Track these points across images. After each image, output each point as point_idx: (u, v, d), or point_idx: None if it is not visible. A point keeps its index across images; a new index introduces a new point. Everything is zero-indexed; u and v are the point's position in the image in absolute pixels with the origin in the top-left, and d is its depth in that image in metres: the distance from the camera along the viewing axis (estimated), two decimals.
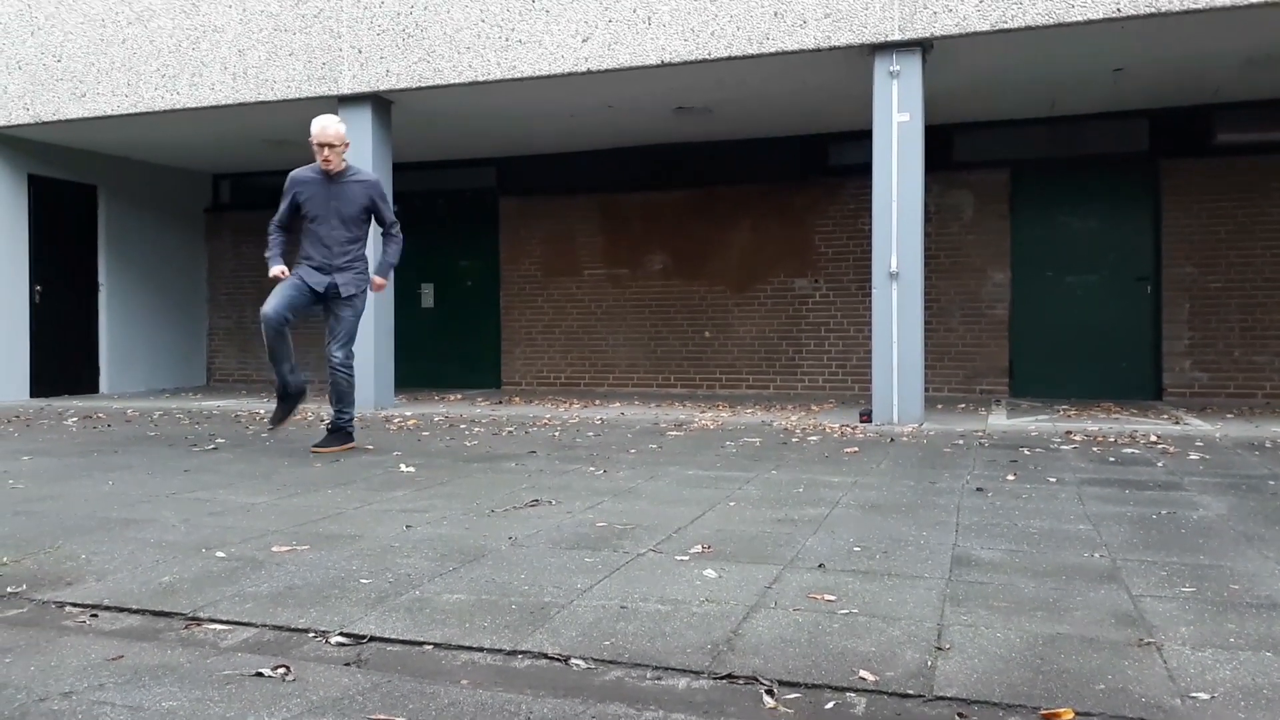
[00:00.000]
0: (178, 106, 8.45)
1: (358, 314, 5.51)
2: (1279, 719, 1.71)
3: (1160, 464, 4.86)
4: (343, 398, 5.52)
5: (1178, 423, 6.78)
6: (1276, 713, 1.74)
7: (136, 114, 8.62)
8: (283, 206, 5.44)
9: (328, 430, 5.60)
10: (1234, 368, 8.58)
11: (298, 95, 8.10)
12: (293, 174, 5.45)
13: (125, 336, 10.88)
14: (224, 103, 8.32)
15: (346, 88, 7.98)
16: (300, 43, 8.08)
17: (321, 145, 5.29)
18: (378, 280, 5.53)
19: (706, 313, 10.08)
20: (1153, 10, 6.07)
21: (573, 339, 10.52)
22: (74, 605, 2.47)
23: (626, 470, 4.71)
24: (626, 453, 5.38)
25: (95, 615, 2.40)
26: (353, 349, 5.58)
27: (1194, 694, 1.83)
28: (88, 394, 10.39)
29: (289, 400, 5.49)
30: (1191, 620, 2.27)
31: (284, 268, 5.36)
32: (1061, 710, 1.75)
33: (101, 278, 10.62)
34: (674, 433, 6.41)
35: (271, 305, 5.27)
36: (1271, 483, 4.25)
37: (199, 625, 2.31)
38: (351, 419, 5.61)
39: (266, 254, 5.45)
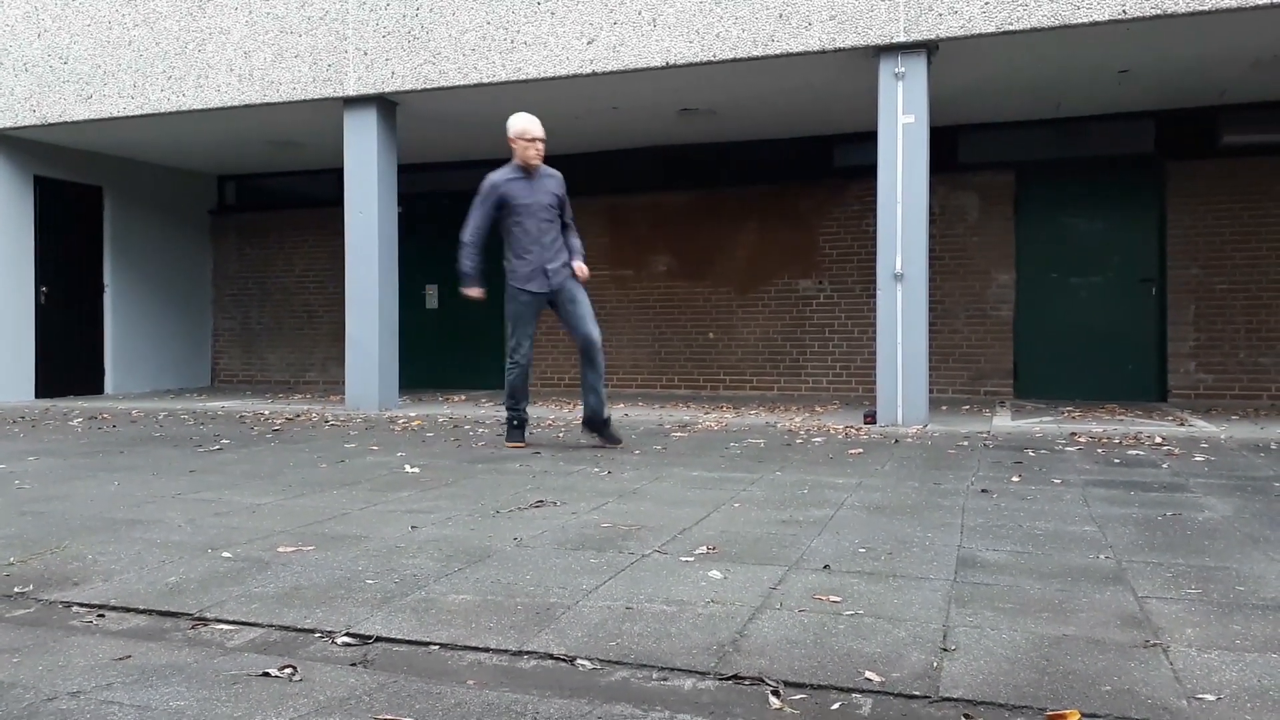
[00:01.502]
0: (184, 108, 8.48)
1: (584, 291, 5.75)
2: None
3: (1165, 465, 4.85)
4: (602, 373, 5.71)
5: (1183, 424, 6.77)
6: None
7: (142, 116, 8.65)
8: (483, 214, 5.56)
9: (604, 420, 5.68)
10: (1239, 369, 8.57)
11: (303, 97, 8.12)
12: (492, 179, 5.57)
13: (130, 337, 10.91)
14: (230, 104, 8.34)
15: (352, 89, 7.99)
16: (306, 45, 8.10)
17: (535, 139, 5.54)
18: (583, 269, 5.71)
19: (711, 314, 10.08)
20: (1159, 12, 6.06)
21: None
22: (81, 605, 2.48)
23: (631, 471, 4.71)
24: (631, 454, 5.38)
25: (102, 615, 2.40)
26: None
27: (1200, 695, 1.82)
28: (93, 395, 10.42)
29: (523, 427, 5.80)
30: (1197, 622, 2.27)
31: (483, 289, 5.70)
32: (1067, 711, 1.75)
33: (107, 279, 10.65)
34: (678, 434, 6.42)
35: (526, 352, 5.61)
36: (1277, 484, 4.25)
37: (205, 625, 2.31)
38: None
39: (466, 269, 5.59)
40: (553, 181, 5.68)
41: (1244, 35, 6.50)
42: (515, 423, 5.77)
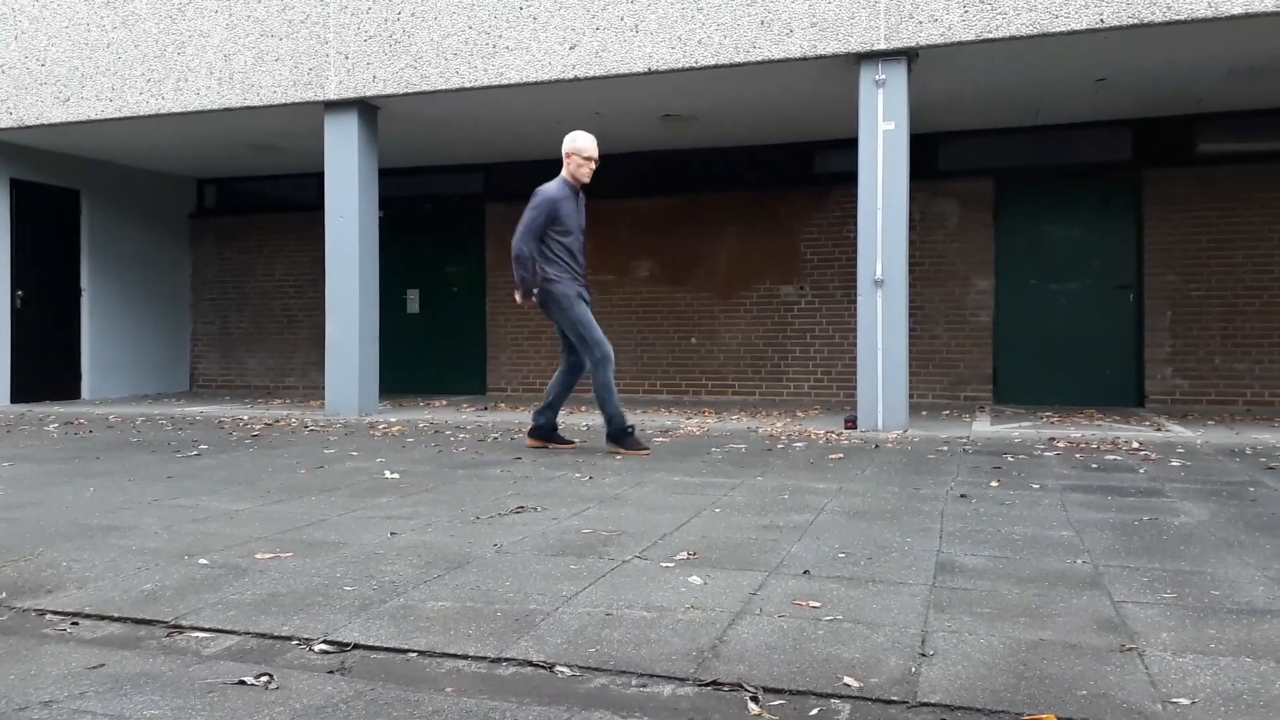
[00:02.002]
0: (162, 111, 8.42)
1: None
2: None
3: (1142, 470, 4.89)
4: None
5: (1159, 429, 6.82)
6: (1256, 717, 1.75)
7: (121, 118, 8.58)
8: (540, 224, 5.48)
9: (629, 432, 5.62)
10: (1215, 375, 8.65)
11: (284, 101, 8.09)
12: (549, 192, 5.52)
13: (108, 342, 10.81)
14: (209, 108, 8.29)
15: (333, 93, 7.97)
16: (287, 48, 8.07)
17: (591, 159, 5.59)
18: None
19: (693, 319, 10.09)
20: (1135, 21, 6.12)
21: (558, 345, 10.51)
22: (54, 613, 2.45)
23: (612, 476, 4.71)
24: (612, 459, 5.38)
25: (76, 623, 2.38)
26: None
27: (1175, 699, 1.84)
28: (69, 400, 10.32)
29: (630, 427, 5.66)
30: (1172, 626, 2.29)
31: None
32: (1044, 716, 1.76)
33: (84, 283, 10.56)
34: (660, 439, 6.42)
35: (608, 344, 5.56)
36: (1252, 489, 4.29)
37: (181, 633, 2.29)
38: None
39: (522, 274, 5.50)
40: (584, 202, 5.79)
41: (1219, 45, 6.58)
42: (628, 427, 5.60)
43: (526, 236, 5.49)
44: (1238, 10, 5.95)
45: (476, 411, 8.66)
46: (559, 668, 2.03)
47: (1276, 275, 8.50)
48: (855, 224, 7.07)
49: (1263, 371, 8.53)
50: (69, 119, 8.70)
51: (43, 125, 8.85)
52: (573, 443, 5.87)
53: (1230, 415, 8.01)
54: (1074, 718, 1.76)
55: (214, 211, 11.98)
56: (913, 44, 6.61)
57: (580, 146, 5.59)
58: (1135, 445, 5.94)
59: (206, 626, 2.32)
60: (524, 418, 7.97)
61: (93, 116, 8.62)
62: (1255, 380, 8.56)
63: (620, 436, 5.59)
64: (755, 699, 1.86)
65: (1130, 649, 2.12)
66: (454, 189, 10.91)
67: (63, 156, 10.23)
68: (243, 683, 1.96)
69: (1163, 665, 2.02)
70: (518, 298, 5.60)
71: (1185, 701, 1.83)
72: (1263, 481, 4.52)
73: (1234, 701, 1.83)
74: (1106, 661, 2.04)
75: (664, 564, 2.90)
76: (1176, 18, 6.06)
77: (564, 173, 5.64)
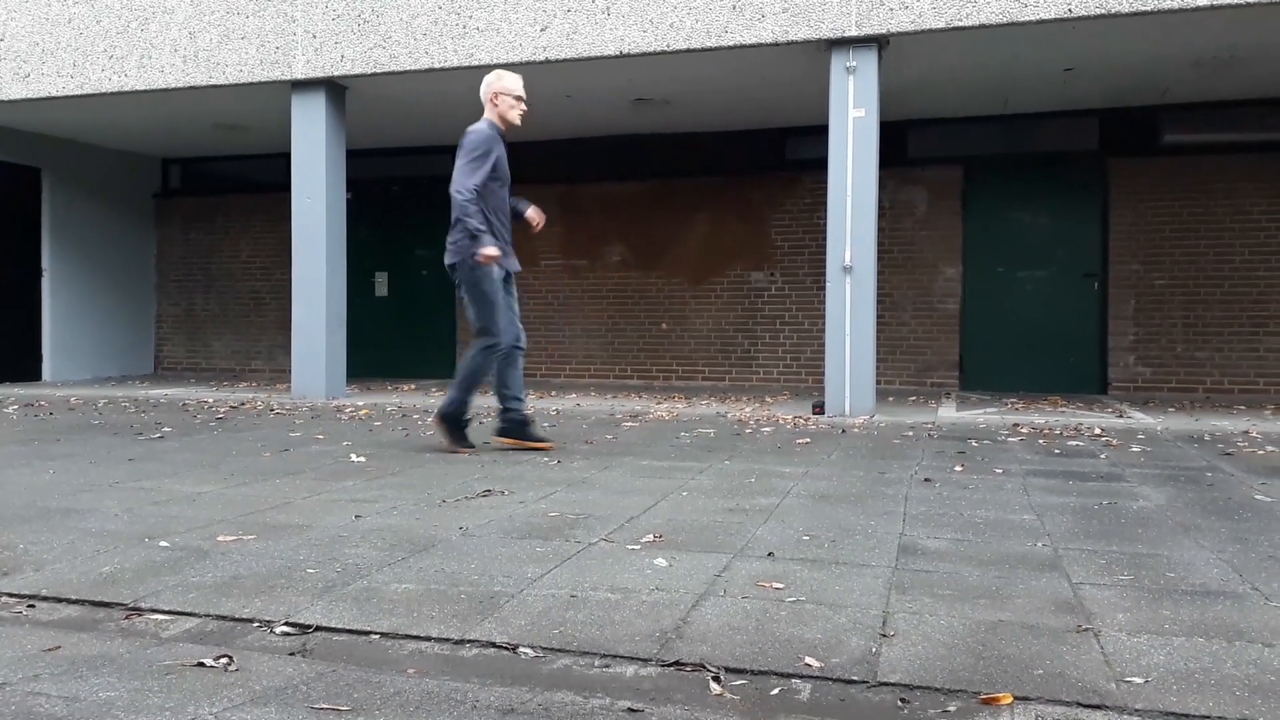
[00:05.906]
0: (126, 89, 8.27)
1: None
2: (1209, 701, 1.76)
3: (1103, 456, 4.96)
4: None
5: (1121, 416, 6.92)
6: (1207, 695, 1.79)
7: (83, 95, 8.42)
8: (485, 172, 4.77)
9: (522, 423, 5.14)
10: (1176, 363, 8.78)
11: (250, 80, 7.97)
12: (487, 133, 4.82)
13: (70, 323, 10.63)
14: (174, 86, 8.15)
15: (300, 73, 7.86)
16: (253, 26, 7.94)
17: (521, 98, 4.98)
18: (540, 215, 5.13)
19: (663, 305, 10.09)
20: (1103, 11, 6.17)
21: (529, 330, 10.47)
22: (10, 595, 2.41)
23: (581, 460, 4.70)
24: (581, 443, 5.38)
25: (32, 606, 2.35)
26: None
27: (1129, 678, 1.87)
28: (30, 381, 10.15)
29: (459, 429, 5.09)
30: (1128, 607, 2.32)
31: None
32: (1001, 695, 1.78)
33: (45, 263, 10.36)
34: (629, 424, 6.42)
35: (512, 331, 4.93)
36: (1209, 475, 4.37)
37: (140, 615, 2.27)
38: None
39: (480, 226, 4.74)
40: None
41: (1185, 36, 6.65)
42: (466, 420, 5.08)
43: (472, 182, 4.74)
44: (1203, 2, 6.01)
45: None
46: (522, 649, 2.03)
47: (1237, 265, 8.64)
48: (825, 211, 7.09)
49: (1222, 360, 8.68)
50: (29, 95, 8.52)
51: (1, 102, 8.66)
52: (548, 443, 5.21)
53: (1190, 402, 8.14)
54: (1030, 696, 1.78)
55: (179, 191, 11.81)
56: (883, 31, 6.62)
57: (509, 85, 4.92)
58: (1097, 431, 6.02)
59: (166, 609, 2.30)
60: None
61: (53, 93, 8.45)
62: (1215, 368, 8.70)
63: (455, 422, 5.05)
64: (717, 679, 1.87)
65: (1087, 629, 2.15)
66: (423, 170, 10.80)
67: (23, 134, 10.02)
68: (202, 664, 1.94)
69: (1118, 645, 2.05)
70: (488, 253, 4.72)
71: (1139, 680, 1.86)
72: (1219, 467, 4.60)
73: (1186, 680, 1.86)
74: (1063, 642, 2.07)
75: (630, 546, 2.90)
76: (1144, 8, 6.11)
77: (491, 115, 4.94)
